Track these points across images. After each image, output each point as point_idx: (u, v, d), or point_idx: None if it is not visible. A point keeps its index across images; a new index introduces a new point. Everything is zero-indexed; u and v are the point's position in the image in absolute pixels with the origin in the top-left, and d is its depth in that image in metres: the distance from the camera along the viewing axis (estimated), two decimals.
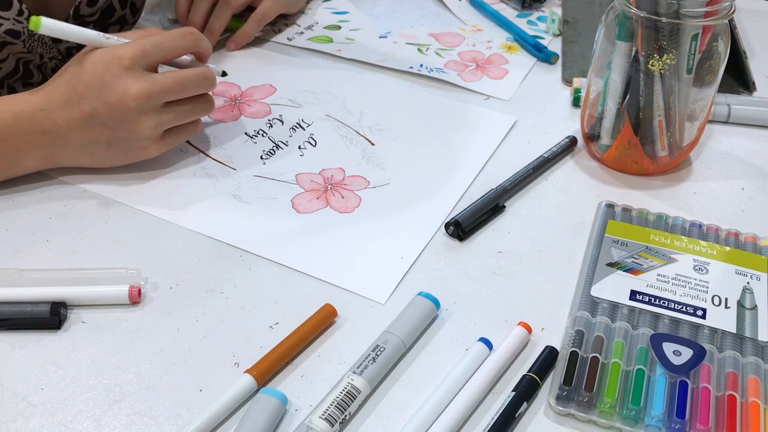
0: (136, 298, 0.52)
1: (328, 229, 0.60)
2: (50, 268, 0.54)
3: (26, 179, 0.62)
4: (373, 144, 0.69)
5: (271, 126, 0.71)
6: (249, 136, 0.70)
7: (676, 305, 0.52)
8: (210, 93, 0.63)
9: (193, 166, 0.65)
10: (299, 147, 0.69)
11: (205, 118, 0.71)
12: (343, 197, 0.63)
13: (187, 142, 0.68)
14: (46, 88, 0.59)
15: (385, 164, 0.67)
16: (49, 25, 0.57)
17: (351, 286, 0.54)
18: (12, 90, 0.73)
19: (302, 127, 0.71)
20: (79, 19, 0.81)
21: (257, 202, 0.62)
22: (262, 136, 0.70)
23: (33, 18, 0.55)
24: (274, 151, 0.68)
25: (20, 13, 0.73)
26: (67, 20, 0.79)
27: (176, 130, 0.62)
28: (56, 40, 0.80)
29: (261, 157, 0.67)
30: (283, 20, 0.88)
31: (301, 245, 0.58)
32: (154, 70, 0.60)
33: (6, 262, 0.55)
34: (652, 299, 0.53)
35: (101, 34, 0.59)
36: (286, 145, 0.69)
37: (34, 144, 0.58)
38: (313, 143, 0.69)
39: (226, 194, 0.63)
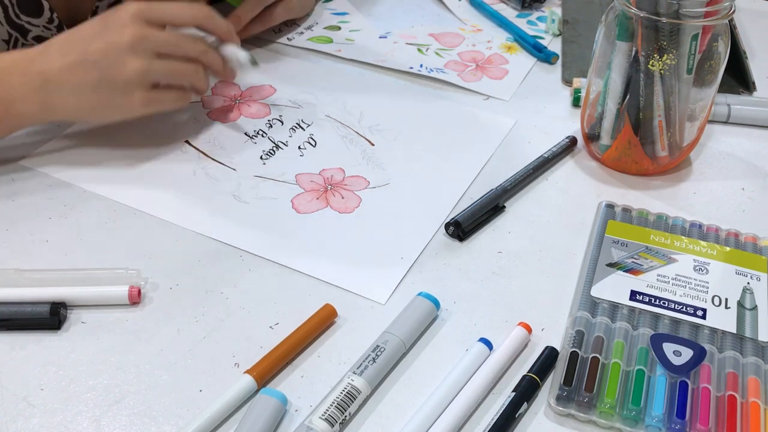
0: (136, 298, 0.52)
1: (329, 230, 0.60)
2: (50, 269, 0.54)
3: (26, 178, 0.62)
4: (373, 144, 0.69)
5: (271, 126, 0.71)
6: (249, 136, 0.70)
7: (676, 305, 0.52)
8: (205, 73, 0.64)
9: (193, 167, 0.65)
10: (299, 147, 0.68)
11: (204, 119, 0.71)
12: (343, 197, 0.63)
13: (187, 141, 0.68)
14: (47, 41, 0.61)
15: (385, 164, 0.67)
16: None
17: (351, 287, 0.54)
18: None
19: (302, 128, 0.71)
20: None
21: (257, 202, 0.62)
22: (262, 136, 0.70)
23: None
24: (274, 151, 0.68)
25: (50, 20, 0.74)
26: None
27: (163, 90, 0.62)
28: None
29: (261, 158, 0.67)
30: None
31: (302, 245, 0.58)
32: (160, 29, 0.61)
33: (6, 262, 0.55)
34: (652, 299, 0.53)
35: None
36: (286, 146, 0.69)
37: (29, 85, 0.59)
38: (313, 143, 0.69)
39: (226, 194, 0.63)
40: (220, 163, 0.66)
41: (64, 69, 0.59)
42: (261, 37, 0.83)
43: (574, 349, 0.49)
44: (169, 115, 0.69)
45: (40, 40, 0.75)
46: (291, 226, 0.60)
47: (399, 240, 0.59)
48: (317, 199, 0.63)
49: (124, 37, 0.58)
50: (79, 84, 0.59)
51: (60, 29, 0.76)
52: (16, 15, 0.72)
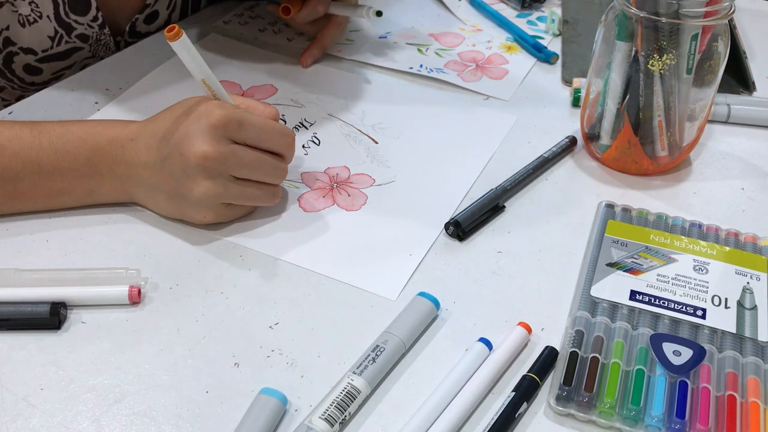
0: (136, 298, 0.52)
1: (337, 228, 0.60)
2: (50, 268, 0.54)
3: None
4: (376, 142, 0.69)
5: None
6: None
7: (676, 305, 0.52)
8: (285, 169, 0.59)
9: None
10: (303, 146, 0.68)
11: None
12: (349, 195, 0.63)
13: None
14: (146, 121, 0.57)
15: (390, 162, 0.67)
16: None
17: (362, 284, 0.54)
18: None
19: (305, 126, 0.71)
20: (136, 37, 0.82)
21: None
22: None
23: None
24: None
25: (95, 19, 0.74)
26: (123, 35, 0.80)
27: (236, 206, 0.58)
28: (118, 45, 0.81)
29: None
30: (283, 21, 0.88)
31: (311, 244, 0.58)
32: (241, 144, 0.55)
33: (6, 262, 0.55)
34: (652, 299, 0.53)
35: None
36: None
37: (115, 172, 0.57)
38: (317, 142, 0.69)
39: None
40: None
41: (147, 167, 0.56)
42: (259, 37, 0.83)
43: (573, 349, 0.49)
44: None
45: (82, 38, 0.76)
46: (299, 225, 0.60)
47: (407, 237, 0.59)
48: (324, 197, 0.63)
49: (198, 154, 0.53)
50: (156, 187, 0.57)
51: (102, 27, 0.77)
52: (65, 13, 0.73)
